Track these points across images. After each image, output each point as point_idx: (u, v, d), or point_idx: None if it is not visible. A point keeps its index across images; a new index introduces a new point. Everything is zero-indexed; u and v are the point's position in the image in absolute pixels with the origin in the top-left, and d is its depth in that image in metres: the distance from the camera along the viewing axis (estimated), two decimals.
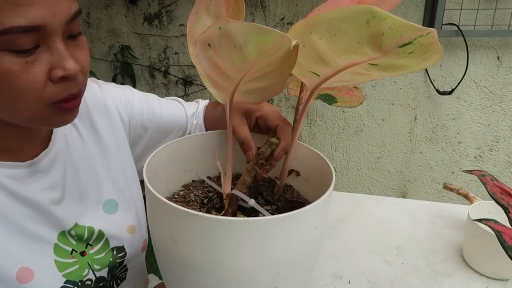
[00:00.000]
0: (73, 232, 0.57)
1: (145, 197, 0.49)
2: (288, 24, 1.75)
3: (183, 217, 0.40)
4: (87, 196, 0.60)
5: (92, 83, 0.65)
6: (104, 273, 0.60)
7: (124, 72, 1.94)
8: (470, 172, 0.53)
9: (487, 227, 0.45)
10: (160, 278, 0.84)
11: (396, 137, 1.83)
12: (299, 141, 0.55)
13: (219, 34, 0.34)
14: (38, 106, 0.45)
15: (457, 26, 1.55)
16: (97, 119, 0.62)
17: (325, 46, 0.36)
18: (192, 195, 0.55)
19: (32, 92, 0.43)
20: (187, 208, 0.40)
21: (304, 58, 0.38)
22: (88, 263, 0.58)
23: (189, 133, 0.74)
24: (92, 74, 1.88)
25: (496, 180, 0.49)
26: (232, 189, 0.50)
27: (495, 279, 0.68)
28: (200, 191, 0.56)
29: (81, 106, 0.51)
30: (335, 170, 1.35)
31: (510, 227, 0.43)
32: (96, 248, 0.60)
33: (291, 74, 0.40)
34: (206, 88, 1.91)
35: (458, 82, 1.65)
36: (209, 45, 0.36)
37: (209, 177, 0.60)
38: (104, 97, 0.65)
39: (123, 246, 0.63)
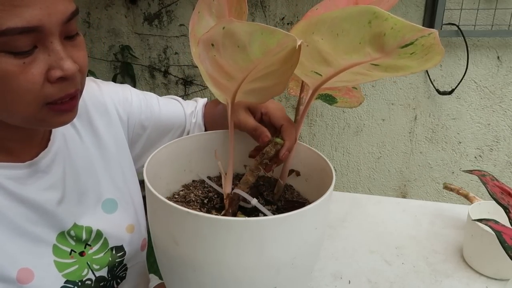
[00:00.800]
0: (72, 233, 0.57)
1: (144, 196, 0.49)
2: (288, 24, 1.75)
3: (184, 217, 0.40)
4: (86, 196, 0.60)
5: (90, 83, 0.65)
6: (103, 272, 0.60)
7: (124, 72, 1.94)
8: (470, 172, 0.53)
9: (487, 227, 0.45)
10: (160, 278, 0.84)
11: (396, 137, 1.83)
12: (299, 141, 0.55)
13: (223, 34, 0.34)
14: (35, 106, 0.45)
15: (457, 26, 1.55)
16: (95, 119, 0.62)
17: (327, 46, 0.36)
18: (192, 195, 0.55)
19: (30, 93, 0.43)
20: (188, 208, 0.40)
21: (306, 58, 0.38)
22: (87, 263, 0.58)
23: (188, 132, 0.74)
24: (92, 74, 1.88)
25: (496, 180, 0.49)
26: (232, 189, 0.50)
27: (495, 279, 0.68)
28: (200, 191, 0.56)
29: (80, 105, 0.51)
30: (335, 170, 1.35)
31: (510, 227, 0.43)
32: (95, 248, 0.60)
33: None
34: (206, 88, 1.92)
35: (458, 82, 1.65)
36: (213, 45, 0.36)
37: (209, 177, 0.60)
38: (103, 96, 0.64)
39: (122, 245, 0.63)
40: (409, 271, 0.71)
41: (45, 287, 0.53)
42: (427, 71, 1.68)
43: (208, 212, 0.50)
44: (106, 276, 0.61)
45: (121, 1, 1.85)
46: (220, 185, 0.54)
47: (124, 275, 0.64)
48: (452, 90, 1.66)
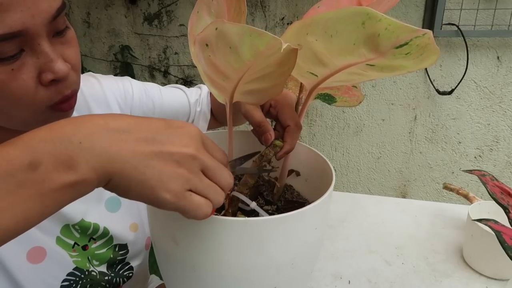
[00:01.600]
0: (77, 226, 0.58)
1: None
2: (288, 24, 1.75)
3: (183, 217, 0.40)
4: (89, 195, 0.60)
5: (90, 78, 0.64)
6: (103, 268, 0.61)
7: (124, 72, 1.94)
8: (470, 172, 0.53)
9: (487, 227, 0.45)
10: (161, 278, 0.84)
11: (396, 137, 1.83)
12: (299, 141, 0.55)
13: (216, 35, 0.34)
14: (33, 111, 0.44)
15: (457, 26, 1.55)
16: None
17: (322, 47, 0.36)
18: None
19: (23, 98, 0.42)
20: None
21: (302, 59, 0.38)
22: (88, 258, 0.59)
23: (192, 121, 0.74)
24: None
25: (496, 180, 0.49)
26: (233, 189, 0.50)
27: (495, 279, 0.68)
28: None
29: (80, 101, 0.50)
30: (335, 170, 1.35)
31: (510, 227, 0.43)
32: (99, 243, 0.60)
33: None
34: None
35: (458, 82, 1.65)
36: (207, 45, 0.36)
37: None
38: (103, 91, 0.64)
39: (126, 244, 0.63)
40: (409, 271, 0.71)
41: (55, 270, 0.54)
42: (427, 71, 1.68)
43: None
44: (106, 271, 0.61)
45: (121, 1, 1.85)
46: None
47: (130, 274, 0.65)
48: (452, 90, 1.66)
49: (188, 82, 1.92)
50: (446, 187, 0.85)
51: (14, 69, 0.40)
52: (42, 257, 0.53)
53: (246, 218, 0.40)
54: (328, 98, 0.54)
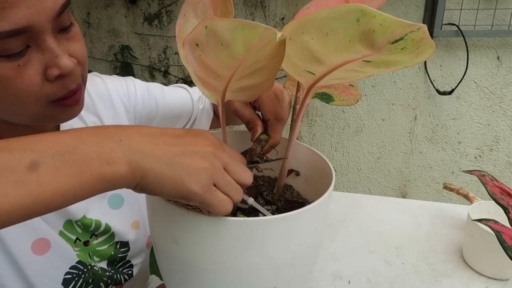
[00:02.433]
0: (80, 223, 0.58)
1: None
2: None
3: (183, 217, 0.40)
4: None
5: (94, 77, 0.65)
6: (103, 265, 0.61)
7: (124, 72, 1.94)
8: (470, 172, 0.53)
9: (487, 227, 0.45)
10: (161, 278, 0.84)
11: (396, 137, 1.83)
12: (299, 141, 0.55)
13: (206, 33, 0.34)
14: (39, 106, 0.44)
15: (457, 26, 1.55)
16: (102, 111, 0.63)
17: (318, 46, 0.36)
18: None
19: (30, 94, 0.43)
20: (187, 208, 0.40)
21: (299, 58, 0.38)
22: (89, 254, 0.59)
23: (195, 119, 0.74)
24: None
25: (496, 180, 0.49)
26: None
27: (495, 279, 0.68)
28: None
29: (86, 99, 0.51)
30: (335, 170, 1.35)
31: (510, 227, 0.43)
32: (100, 239, 0.60)
33: (286, 75, 0.40)
34: None
35: (458, 82, 1.65)
36: (197, 45, 0.36)
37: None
38: (108, 90, 0.65)
39: (127, 241, 0.63)
40: (409, 271, 0.71)
41: (58, 262, 0.55)
42: (427, 71, 1.68)
43: (208, 212, 0.50)
44: (107, 268, 0.61)
45: (121, 1, 1.85)
46: None
47: (130, 272, 0.65)
48: (452, 90, 1.66)
49: (188, 82, 1.92)
50: (446, 187, 0.85)
51: (20, 65, 0.41)
52: (47, 248, 0.53)
53: (246, 218, 0.40)
54: (326, 97, 0.54)
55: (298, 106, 0.51)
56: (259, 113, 0.53)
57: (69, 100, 0.47)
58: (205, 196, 0.36)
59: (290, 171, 0.57)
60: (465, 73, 1.62)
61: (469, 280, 0.68)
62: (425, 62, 1.67)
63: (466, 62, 1.61)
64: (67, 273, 0.56)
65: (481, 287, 0.67)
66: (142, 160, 0.34)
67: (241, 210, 0.50)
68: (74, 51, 0.45)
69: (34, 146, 0.30)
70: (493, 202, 0.45)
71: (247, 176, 0.40)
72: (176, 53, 1.89)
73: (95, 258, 0.60)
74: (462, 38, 1.56)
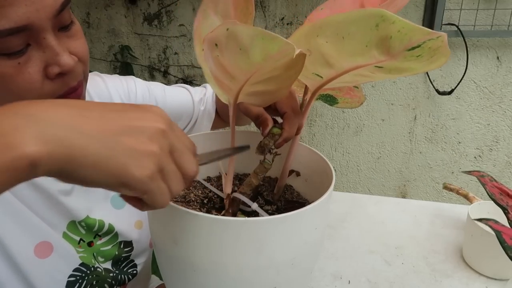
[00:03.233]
0: (83, 223, 0.58)
1: None
2: (288, 24, 1.75)
3: (183, 217, 0.40)
4: (94, 190, 0.60)
5: (95, 77, 0.65)
6: (108, 265, 0.61)
7: (124, 72, 1.94)
8: (469, 173, 0.53)
9: (487, 227, 0.45)
10: (161, 278, 0.84)
11: (396, 137, 1.83)
12: (299, 141, 0.54)
13: (227, 35, 0.34)
14: None
15: (457, 26, 1.55)
16: None
17: (331, 49, 0.35)
18: (192, 195, 0.55)
19: (30, 92, 0.42)
20: (187, 208, 0.40)
21: (309, 60, 0.38)
22: (94, 254, 0.59)
23: (196, 120, 0.74)
24: None
25: (495, 180, 0.49)
26: (232, 189, 0.50)
27: (495, 279, 0.68)
28: (200, 191, 0.56)
29: (86, 98, 0.51)
30: (335, 170, 1.35)
31: (510, 227, 0.43)
32: (104, 239, 0.61)
33: None
34: None
35: (457, 82, 1.65)
36: (216, 45, 0.36)
37: (209, 177, 0.60)
38: (108, 89, 0.65)
39: (131, 241, 0.64)
40: (409, 271, 0.71)
41: (61, 264, 0.55)
42: (427, 71, 1.68)
43: (208, 212, 0.50)
44: (111, 268, 0.61)
45: (120, 1, 1.85)
46: (221, 185, 0.54)
47: (134, 271, 0.65)
48: (452, 90, 1.67)
49: (188, 82, 1.92)
50: (446, 187, 0.85)
51: (21, 63, 0.41)
52: (49, 252, 0.53)
53: (246, 218, 0.40)
54: (330, 99, 0.54)
55: (303, 109, 0.51)
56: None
57: (70, 97, 0.46)
58: (150, 185, 0.30)
59: (291, 171, 0.57)
60: (464, 73, 1.62)
61: (469, 280, 0.68)
62: None
63: (465, 62, 1.61)
64: (70, 276, 0.56)
65: (481, 287, 0.67)
66: (68, 136, 0.26)
67: (241, 210, 0.50)
68: (75, 48, 0.45)
69: None
70: (493, 202, 0.45)
71: (192, 168, 0.34)
72: (176, 53, 1.89)
73: (100, 259, 0.60)
74: (462, 38, 1.56)
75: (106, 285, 0.60)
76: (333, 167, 0.56)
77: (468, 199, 0.81)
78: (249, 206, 0.47)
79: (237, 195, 0.48)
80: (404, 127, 1.80)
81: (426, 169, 1.86)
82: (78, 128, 0.27)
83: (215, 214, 0.43)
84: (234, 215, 0.49)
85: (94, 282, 0.58)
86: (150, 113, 0.31)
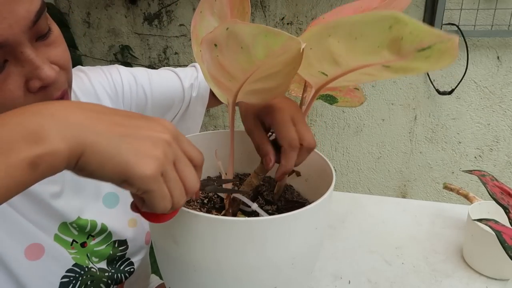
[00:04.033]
0: (75, 224, 0.58)
1: None
2: (288, 24, 1.75)
3: (184, 217, 0.40)
4: (84, 189, 0.60)
5: (78, 73, 0.63)
6: (103, 265, 0.61)
7: None
8: (470, 172, 0.53)
9: (487, 227, 0.45)
10: (161, 278, 0.84)
11: (396, 137, 1.83)
12: None
13: (226, 35, 0.34)
14: None
15: (457, 26, 1.55)
16: None
17: (342, 49, 0.36)
18: None
19: (14, 107, 0.41)
20: (188, 208, 0.40)
21: (317, 58, 0.38)
22: (87, 255, 0.59)
23: (187, 106, 0.72)
24: None
25: (496, 180, 0.49)
26: (233, 189, 0.50)
27: (495, 279, 0.68)
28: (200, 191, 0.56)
29: (72, 97, 0.49)
30: (335, 170, 1.35)
31: (510, 227, 0.43)
32: (98, 239, 0.60)
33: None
34: None
35: (458, 82, 1.65)
36: (216, 45, 0.36)
37: (209, 177, 0.60)
38: (92, 85, 0.63)
39: (125, 240, 0.63)
40: (409, 271, 0.71)
41: (53, 265, 0.54)
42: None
43: (208, 212, 0.50)
44: (107, 268, 0.61)
45: (121, 1, 1.85)
46: (221, 185, 0.54)
47: (131, 269, 0.65)
48: (452, 90, 1.66)
49: None
50: (446, 187, 0.85)
51: (0, 81, 0.39)
52: (41, 254, 0.53)
53: (246, 218, 0.40)
54: (330, 99, 0.54)
55: (304, 107, 0.51)
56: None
57: None
58: (151, 185, 0.31)
59: (291, 171, 0.57)
60: (465, 73, 1.62)
61: (469, 280, 0.68)
62: None
63: (466, 62, 1.61)
64: (63, 277, 0.55)
65: (481, 287, 0.67)
66: (81, 134, 0.29)
67: (242, 210, 0.50)
68: (55, 57, 0.43)
69: None
70: (493, 202, 0.45)
71: (194, 182, 0.35)
72: (176, 53, 1.89)
73: (94, 259, 0.59)
74: (462, 38, 1.56)
75: (102, 284, 0.60)
76: (333, 167, 0.56)
77: (468, 199, 0.81)
78: (249, 206, 0.47)
79: (237, 195, 0.48)
80: (404, 127, 1.80)
81: (426, 169, 1.86)
82: (90, 128, 0.30)
83: (215, 214, 0.43)
84: (234, 215, 0.49)
85: (89, 282, 0.58)
86: (157, 124, 0.33)
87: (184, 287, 0.46)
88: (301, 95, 0.53)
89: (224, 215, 0.49)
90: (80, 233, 0.58)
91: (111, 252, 0.61)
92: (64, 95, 0.46)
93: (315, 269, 0.71)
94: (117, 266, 0.63)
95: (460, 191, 0.83)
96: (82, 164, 0.30)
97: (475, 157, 1.79)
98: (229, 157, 0.50)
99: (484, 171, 0.51)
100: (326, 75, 0.41)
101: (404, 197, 1.93)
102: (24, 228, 0.52)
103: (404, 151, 1.85)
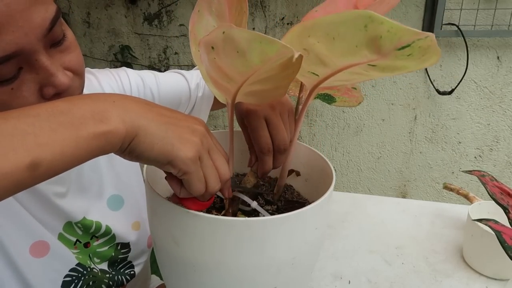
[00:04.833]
0: (80, 224, 0.58)
1: None
2: (288, 24, 1.75)
3: (184, 217, 0.40)
4: (89, 191, 0.60)
5: (87, 74, 0.63)
6: (104, 266, 0.61)
7: None
8: (469, 172, 0.53)
9: (487, 227, 0.45)
10: (161, 278, 0.84)
11: (396, 137, 1.83)
12: (299, 141, 0.55)
13: (223, 39, 0.34)
14: None
15: (457, 26, 1.55)
16: None
17: (323, 49, 0.36)
18: None
19: None
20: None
21: (304, 59, 0.38)
22: (90, 255, 0.59)
23: (193, 106, 0.73)
24: None
25: (496, 180, 0.49)
26: (233, 189, 0.50)
27: (495, 279, 0.68)
28: None
29: None
30: (335, 170, 1.35)
31: (510, 227, 0.43)
32: (101, 241, 0.60)
33: None
34: None
35: (458, 82, 1.65)
36: (213, 48, 0.36)
37: None
38: (101, 86, 0.64)
39: (128, 243, 0.63)
40: (409, 271, 0.71)
41: (58, 264, 0.55)
42: (427, 71, 1.68)
43: (208, 212, 0.50)
44: (108, 269, 0.61)
45: (121, 1, 1.85)
46: None
47: (132, 272, 0.65)
48: (452, 90, 1.66)
49: None
50: (446, 187, 0.85)
51: (14, 88, 0.39)
52: (45, 251, 0.53)
53: (246, 218, 0.40)
54: (328, 98, 0.54)
55: (300, 107, 0.51)
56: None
57: None
58: (191, 167, 0.36)
59: (291, 171, 0.57)
60: (465, 73, 1.62)
61: (469, 280, 0.68)
62: None
63: (466, 62, 1.61)
64: (66, 276, 0.56)
65: (481, 287, 0.67)
66: (136, 119, 0.34)
67: (241, 210, 0.50)
68: (69, 62, 0.43)
69: (29, 112, 0.31)
70: (493, 202, 0.45)
71: (226, 170, 0.40)
72: (176, 53, 1.89)
73: (96, 260, 0.60)
74: (462, 38, 1.56)
75: (103, 285, 0.60)
76: (333, 167, 0.56)
77: (468, 199, 0.81)
78: (249, 205, 0.47)
79: (236, 193, 0.48)
80: (404, 127, 1.80)
81: (426, 169, 1.86)
82: (143, 115, 0.35)
83: (215, 214, 0.43)
84: (235, 214, 0.49)
85: (91, 283, 0.58)
86: (193, 119, 0.39)
87: (184, 287, 0.46)
88: (298, 95, 0.53)
89: (224, 215, 0.49)
90: (84, 233, 0.58)
91: (113, 254, 0.61)
92: None
93: (315, 269, 0.71)
94: (117, 268, 0.63)
95: (460, 191, 0.83)
96: (134, 145, 0.34)
97: (475, 157, 1.79)
98: (228, 157, 0.50)
99: (483, 171, 0.51)
100: (317, 75, 0.41)
101: (404, 197, 1.93)
102: (30, 225, 0.52)
103: (404, 151, 1.85)
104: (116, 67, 2.06)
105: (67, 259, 0.56)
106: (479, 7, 1.54)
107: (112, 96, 0.35)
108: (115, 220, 0.62)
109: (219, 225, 0.39)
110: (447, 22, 1.57)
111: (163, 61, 1.92)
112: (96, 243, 0.60)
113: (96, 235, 0.60)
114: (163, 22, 1.85)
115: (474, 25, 1.56)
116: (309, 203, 0.42)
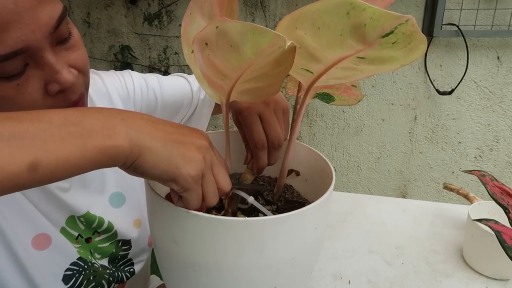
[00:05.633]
0: (83, 219, 0.58)
1: None
2: None
3: (183, 217, 0.40)
4: (91, 186, 0.60)
5: (92, 75, 0.65)
6: (104, 262, 0.61)
7: None
8: (470, 172, 0.53)
9: (487, 227, 0.45)
10: (161, 278, 0.84)
11: (396, 137, 1.83)
12: (299, 141, 0.55)
13: (216, 33, 0.34)
14: None
15: (457, 26, 1.55)
16: None
17: (311, 41, 0.36)
18: None
19: (32, 109, 0.41)
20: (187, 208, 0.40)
21: (296, 55, 0.38)
22: (91, 250, 0.59)
23: (195, 108, 0.74)
24: None
25: (496, 180, 0.49)
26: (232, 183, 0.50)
27: (495, 279, 0.68)
28: None
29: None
30: (335, 170, 1.35)
31: (510, 227, 0.43)
32: (103, 236, 0.61)
33: (288, 75, 0.40)
34: None
35: (458, 82, 1.65)
36: (206, 44, 0.36)
37: None
38: (106, 86, 0.65)
39: (129, 240, 0.64)
40: (409, 271, 0.71)
41: (59, 257, 0.55)
42: (427, 71, 1.68)
43: (208, 212, 0.50)
44: (108, 265, 0.62)
45: (121, 1, 1.85)
46: None
47: (132, 270, 0.65)
48: (452, 90, 1.66)
49: None
50: (446, 187, 0.85)
51: (20, 84, 0.40)
52: (47, 244, 0.54)
53: (246, 218, 0.40)
54: (327, 97, 0.54)
55: (298, 106, 0.51)
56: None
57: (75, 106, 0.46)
58: (192, 185, 0.37)
59: (290, 171, 0.57)
60: (465, 73, 1.62)
61: (469, 280, 0.68)
62: (425, 62, 1.67)
63: (466, 62, 1.61)
64: (67, 269, 0.56)
65: (481, 287, 0.67)
66: (142, 139, 0.35)
67: (241, 210, 0.50)
68: (75, 60, 0.44)
69: (42, 118, 0.31)
70: (493, 202, 0.45)
71: (227, 183, 0.41)
72: (176, 53, 1.89)
73: (96, 255, 0.60)
74: (462, 38, 1.56)
75: (103, 281, 0.60)
76: (333, 167, 0.56)
77: (468, 199, 0.81)
78: (248, 204, 0.47)
79: (234, 191, 0.48)
80: (404, 127, 1.80)
81: (426, 169, 1.86)
82: (149, 134, 0.35)
83: (215, 214, 0.43)
84: (234, 214, 0.49)
85: (91, 278, 0.58)
86: (197, 133, 0.40)
87: (184, 287, 0.46)
88: (296, 94, 0.53)
89: (224, 215, 0.49)
90: (86, 228, 0.59)
91: (113, 251, 0.62)
92: (81, 99, 0.47)
93: (315, 269, 0.71)
94: (117, 265, 0.63)
95: (460, 191, 0.83)
96: (138, 164, 0.35)
97: (475, 157, 1.79)
98: (225, 156, 0.50)
99: (484, 171, 0.51)
100: (311, 72, 0.41)
101: (404, 197, 1.93)
102: (34, 217, 0.52)
103: (404, 151, 1.85)
104: (116, 67, 2.07)
105: (68, 253, 0.56)
106: (479, 7, 1.54)
107: (122, 113, 0.36)
108: (116, 217, 0.62)
109: (219, 225, 0.39)
110: (447, 22, 1.57)
111: (163, 61, 1.92)
112: (97, 238, 0.60)
113: (98, 230, 0.60)
114: (163, 22, 1.85)
115: (474, 25, 1.56)
116: (309, 203, 0.42)
